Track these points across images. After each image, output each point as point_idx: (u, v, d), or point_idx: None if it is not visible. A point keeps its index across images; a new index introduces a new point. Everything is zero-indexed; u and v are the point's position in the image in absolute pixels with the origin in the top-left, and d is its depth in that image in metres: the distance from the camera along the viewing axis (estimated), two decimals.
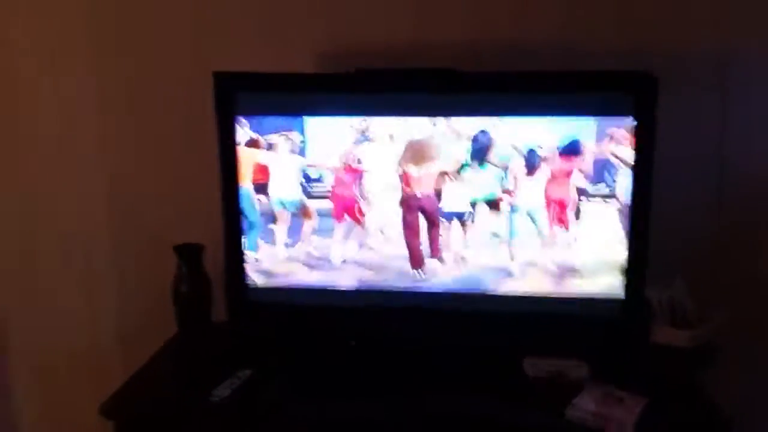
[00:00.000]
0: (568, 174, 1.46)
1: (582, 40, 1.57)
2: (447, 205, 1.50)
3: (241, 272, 1.52)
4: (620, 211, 1.45)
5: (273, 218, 1.53)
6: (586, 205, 1.47)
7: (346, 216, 1.52)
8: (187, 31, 1.66)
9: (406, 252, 1.51)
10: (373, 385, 1.43)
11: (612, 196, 1.46)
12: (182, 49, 1.67)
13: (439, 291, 1.52)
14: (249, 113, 1.47)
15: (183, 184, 1.74)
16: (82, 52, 1.70)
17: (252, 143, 1.49)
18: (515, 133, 1.44)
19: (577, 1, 1.58)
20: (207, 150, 1.65)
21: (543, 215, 1.48)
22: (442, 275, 1.52)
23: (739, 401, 1.42)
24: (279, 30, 1.64)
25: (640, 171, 1.40)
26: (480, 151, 1.46)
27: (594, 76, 1.40)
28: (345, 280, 1.54)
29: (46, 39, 1.70)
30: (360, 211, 1.52)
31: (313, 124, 1.48)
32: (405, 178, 1.49)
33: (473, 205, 1.50)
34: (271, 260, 1.54)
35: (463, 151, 1.46)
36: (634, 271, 1.45)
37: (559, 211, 1.48)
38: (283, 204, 1.53)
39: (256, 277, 1.54)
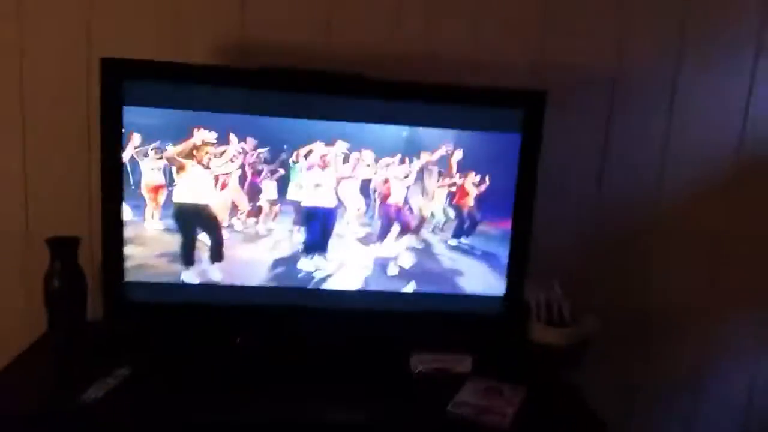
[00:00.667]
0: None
1: (486, 55, 1.65)
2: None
3: (119, 267, 1.44)
4: None
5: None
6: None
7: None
8: (79, 14, 1.57)
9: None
10: (254, 385, 1.39)
11: None
12: (65, 32, 1.58)
13: (326, 288, 1.52)
14: (137, 103, 1.40)
15: (60, 175, 1.64)
16: None
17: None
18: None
19: (481, 16, 1.65)
20: (88, 138, 1.60)
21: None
22: (329, 272, 1.52)
23: (608, 402, 1.52)
24: (181, 20, 1.59)
25: (524, 183, 1.50)
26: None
27: (487, 90, 1.48)
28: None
29: None
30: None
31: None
32: None
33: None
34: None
35: None
36: (514, 271, 1.52)
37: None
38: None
39: (134, 273, 1.47)
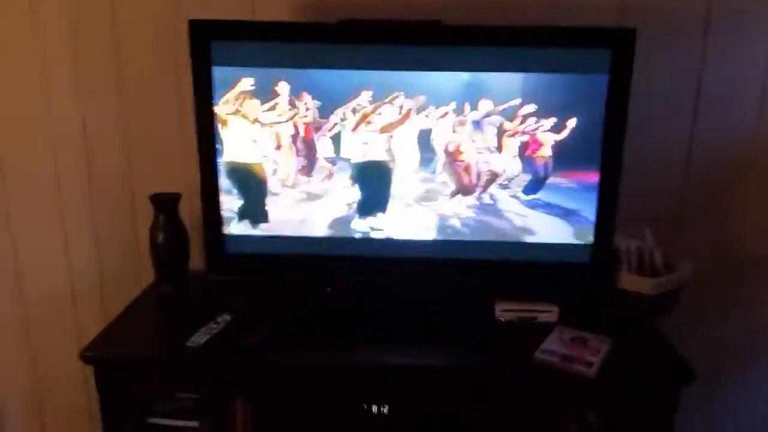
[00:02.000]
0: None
1: None
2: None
3: (218, 221, 1.52)
4: None
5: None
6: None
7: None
8: None
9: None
10: (349, 333, 1.47)
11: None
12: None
13: (411, 239, 1.55)
14: (225, 63, 1.45)
15: (157, 134, 1.73)
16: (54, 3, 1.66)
17: None
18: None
19: None
20: (179, 97, 1.67)
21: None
22: (413, 223, 1.54)
23: (700, 351, 1.48)
24: None
25: (613, 122, 1.44)
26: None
27: (571, 31, 1.42)
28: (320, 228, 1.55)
29: None
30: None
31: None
32: None
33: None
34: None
35: None
36: (603, 218, 1.49)
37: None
38: None
39: (233, 227, 1.55)
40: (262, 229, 1.54)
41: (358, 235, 1.54)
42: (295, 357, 1.37)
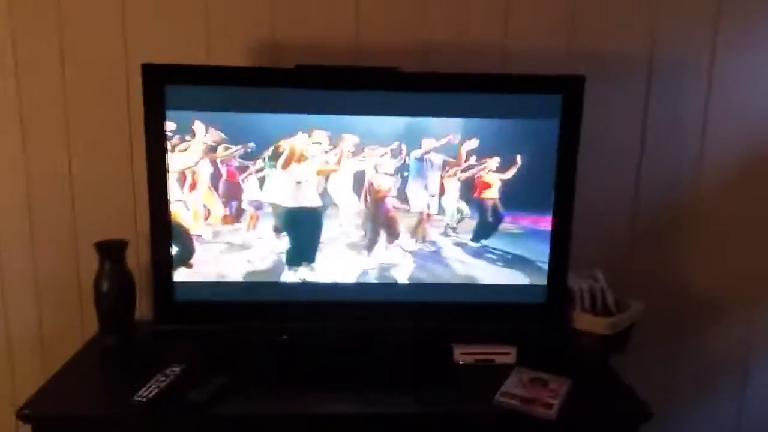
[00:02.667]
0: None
1: (517, 44, 1.64)
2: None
3: (168, 268, 1.47)
4: None
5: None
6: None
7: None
8: (115, 23, 1.60)
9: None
10: (303, 382, 1.42)
11: None
12: (111, 42, 1.61)
13: (368, 282, 1.53)
14: (178, 107, 1.43)
15: (105, 181, 1.67)
16: (5, 45, 1.61)
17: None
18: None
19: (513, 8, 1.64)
20: (130, 143, 1.63)
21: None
22: (373, 266, 1.53)
23: (653, 386, 1.50)
24: (214, 22, 1.61)
25: (565, 165, 1.48)
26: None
27: (526, 78, 1.47)
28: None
29: None
30: None
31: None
32: None
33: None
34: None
35: None
36: (557, 258, 1.51)
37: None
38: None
39: (183, 274, 1.50)
40: (195, 275, 1.49)
41: (313, 279, 1.51)
42: (247, 409, 1.31)
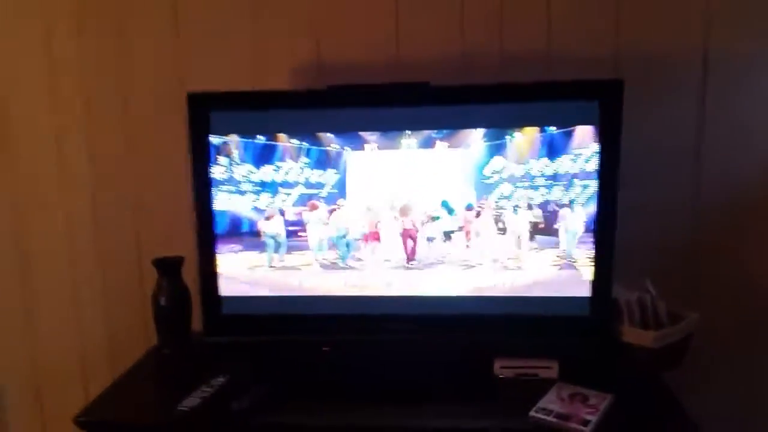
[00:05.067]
0: None
1: (557, 51, 1.60)
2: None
3: (214, 284, 1.55)
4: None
5: None
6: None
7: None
8: (165, 51, 1.72)
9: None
10: (345, 393, 1.45)
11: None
12: (161, 69, 1.73)
13: (411, 295, 1.54)
14: (222, 132, 1.50)
15: (164, 199, 1.79)
16: (69, 71, 1.76)
17: None
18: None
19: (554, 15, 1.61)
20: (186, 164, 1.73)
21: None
22: (414, 281, 1.54)
23: (707, 403, 1.41)
24: (253, 48, 1.69)
25: (606, 173, 1.43)
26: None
27: (559, 85, 1.44)
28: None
29: (33, 54, 1.77)
30: None
31: None
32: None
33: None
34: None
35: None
36: (600, 269, 1.46)
37: None
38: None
39: (230, 288, 1.57)
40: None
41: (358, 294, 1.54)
42: (289, 418, 1.35)
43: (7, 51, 1.78)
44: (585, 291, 1.48)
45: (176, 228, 1.77)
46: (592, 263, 1.47)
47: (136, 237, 1.82)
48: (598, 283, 1.47)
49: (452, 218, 1.51)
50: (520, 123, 1.45)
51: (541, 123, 1.44)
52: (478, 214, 1.50)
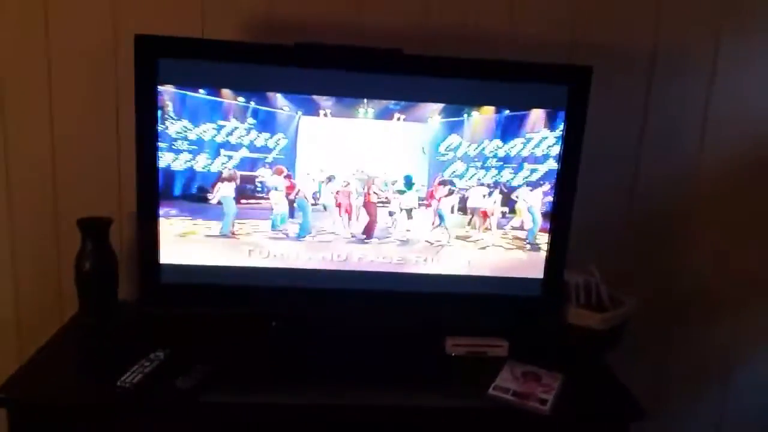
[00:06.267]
0: None
1: (524, 31, 1.59)
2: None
3: (154, 249, 1.41)
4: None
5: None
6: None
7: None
8: None
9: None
10: (293, 371, 1.39)
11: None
12: (101, 10, 1.53)
13: (363, 270, 1.49)
14: (171, 83, 1.36)
15: (89, 156, 1.61)
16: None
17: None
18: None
19: None
20: (117, 117, 1.57)
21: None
22: (365, 256, 1.49)
23: (647, 382, 1.50)
24: None
25: (568, 161, 1.45)
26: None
27: (532, 66, 1.42)
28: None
29: None
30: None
31: None
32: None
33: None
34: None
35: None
36: (554, 251, 1.49)
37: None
38: None
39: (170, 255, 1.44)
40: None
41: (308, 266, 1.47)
42: (235, 398, 1.27)
43: None
44: (539, 273, 1.50)
45: (99, 187, 1.61)
46: (548, 245, 1.49)
47: (53, 194, 1.62)
48: (551, 265, 1.50)
49: (411, 193, 1.47)
50: (482, 101, 1.43)
51: (506, 102, 1.43)
52: (431, 193, 1.47)
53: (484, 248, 1.50)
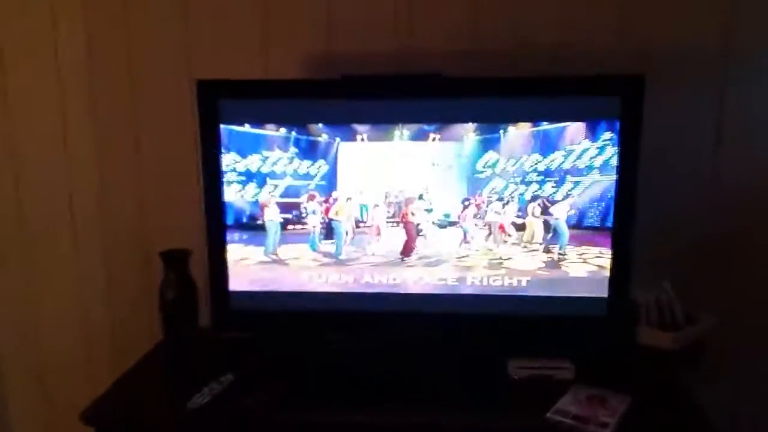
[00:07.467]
0: None
1: (573, 43, 1.56)
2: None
3: (223, 278, 1.51)
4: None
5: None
6: None
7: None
8: (175, 39, 1.67)
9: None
10: (355, 392, 1.42)
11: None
12: (169, 58, 1.69)
13: (424, 292, 1.51)
14: (232, 121, 1.47)
15: (172, 191, 1.75)
16: (75, 58, 1.72)
17: None
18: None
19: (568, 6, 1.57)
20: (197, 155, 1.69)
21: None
22: (425, 278, 1.51)
23: (725, 405, 1.39)
24: (263, 37, 1.65)
25: (625, 172, 1.40)
26: None
27: (578, 80, 1.40)
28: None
29: (40, 41, 1.72)
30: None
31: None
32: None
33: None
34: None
35: None
36: (618, 270, 1.43)
37: None
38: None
39: (240, 283, 1.53)
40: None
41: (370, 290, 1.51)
42: (299, 417, 1.32)
43: (13, 42, 1.73)
44: (603, 291, 1.45)
45: (183, 220, 1.73)
46: (610, 264, 1.44)
47: (141, 228, 1.78)
48: (616, 284, 1.44)
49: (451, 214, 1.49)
50: (533, 116, 1.42)
51: (558, 118, 1.41)
52: (478, 210, 1.47)
53: (545, 267, 1.47)
